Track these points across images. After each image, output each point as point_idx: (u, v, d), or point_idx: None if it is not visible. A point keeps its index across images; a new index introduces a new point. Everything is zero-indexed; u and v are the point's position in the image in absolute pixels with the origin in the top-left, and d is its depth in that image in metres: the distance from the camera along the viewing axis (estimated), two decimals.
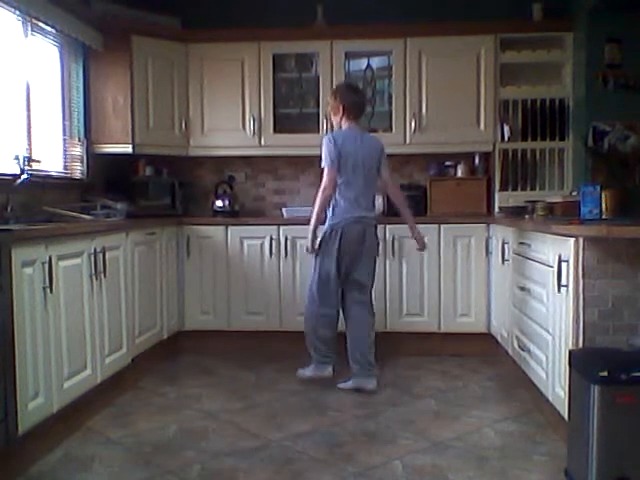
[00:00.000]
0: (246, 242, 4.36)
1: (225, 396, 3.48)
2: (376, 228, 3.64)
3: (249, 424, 3.05)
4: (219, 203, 4.68)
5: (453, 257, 4.25)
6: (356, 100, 3.59)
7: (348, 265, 3.55)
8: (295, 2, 4.72)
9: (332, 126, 3.75)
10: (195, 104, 4.62)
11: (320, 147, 3.56)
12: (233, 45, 4.57)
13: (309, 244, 3.58)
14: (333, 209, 3.54)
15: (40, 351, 2.58)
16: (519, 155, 4.46)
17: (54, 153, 4.05)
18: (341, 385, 3.58)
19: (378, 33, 4.47)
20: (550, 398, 2.86)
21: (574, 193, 4.06)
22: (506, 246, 3.74)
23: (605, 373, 2.12)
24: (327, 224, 3.55)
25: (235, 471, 2.53)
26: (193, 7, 4.79)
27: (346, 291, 3.62)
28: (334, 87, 3.99)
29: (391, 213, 4.58)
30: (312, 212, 3.56)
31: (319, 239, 3.56)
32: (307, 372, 3.68)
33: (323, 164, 3.51)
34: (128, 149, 4.38)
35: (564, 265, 2.62)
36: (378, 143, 3.64)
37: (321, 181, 3.53)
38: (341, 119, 3.57)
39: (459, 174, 4.66)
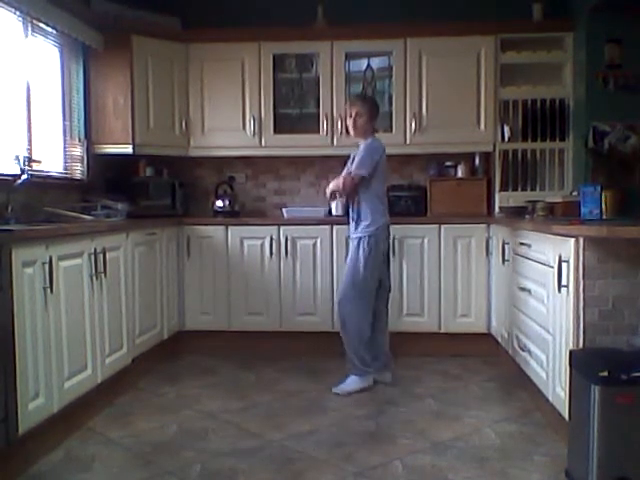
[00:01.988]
0: (246, 242, 4.36)
1: (225, 396, 3.48)
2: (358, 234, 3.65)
3: (249, 424, 3.05)
4: (219, 203, 4.68)
5: (453, 257, 4.25)
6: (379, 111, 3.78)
7: (384, 270, 3.66)
8: (295, 2, 4.72)
9: (350, 131, 3.70)
10: (195, 104, 4.62)
11: (363, 151, 3.54)
12: (233, 45, 4.57)
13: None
14: (373, 214, 3.56)
15: (40, 351, 2.58)
16: (519, 155, 4.46)
17: (54, 153, 4.05)
18: (341, 387, 3.54)
19: (378, 33, 4.47)
20: (550, 398, 2.86)
21: (574, 193, 4.06)
22: (506, 246, 3.74)
23: (605, 373, 2.12)
24: (371, 228, 3.54)
25: (235, 471, 2.53)
26: (193, 7, 4.79)
27: (378, 294, 3.66)
28: (362, 94, 4.13)
29: (392, 213, 4.59)
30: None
31: (366, 244, 3.54)
32: (350, 386, 3.53)
33: (363, 172, 3.51)
34: (128, 149, 4.38)
35: (564, 265, 2.62)
36: None
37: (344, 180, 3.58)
38: (370, 126, 3.63)
39: (459, 174, 4.65)
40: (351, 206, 3.67)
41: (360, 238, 3.55)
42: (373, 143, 3.59)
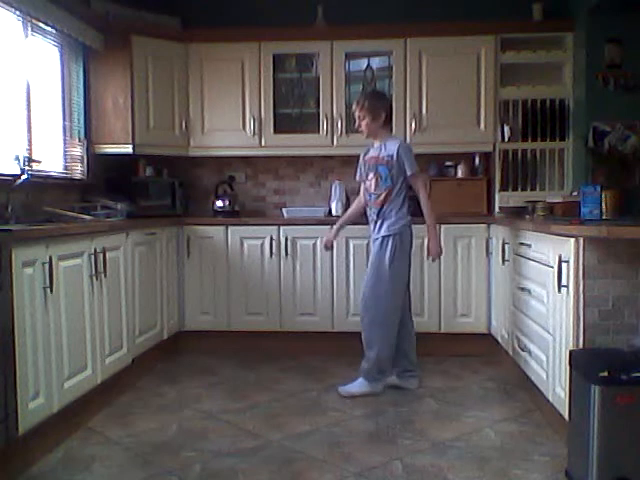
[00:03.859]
0: (246, 242, 4.36)
1: (225, 396, 3.48)
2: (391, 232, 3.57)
3: (249, 424, 3.05)
4: (219, 203, 4.69)
5: (453, 257, 4.25)
6: (391, 106, 3.74)
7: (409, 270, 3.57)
8: (295, 2, 4.72)
9: (364, 131, 3.59)
10: (195, 104, 4.62)
11: (406, 152, 3.49)
12: (233, 45, 4.57)
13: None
14: (401, 209, 3.50)
15: (40, 351, 2.58)
16: (519, 155, 4.46)
17: (54, 153, 4.04)
18: (346, 388, 3.49)
19: (378, 33, 4.46)
20: (550, 398, 2.86)
21: (574, 193, 4.06)
22: (506, 246, 3.74)
23: (605, 373, 2.12)
24: (399, 225, 3.47)
25: (235, 471, 2.53)
26: (193, 7, 4.79)
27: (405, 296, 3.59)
28: (369, 92, 3.98)
29: None
30: (431, 217, 3.53)
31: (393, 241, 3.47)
32: (356, 389, 3.46)
33: (415, 169, 3.49)
34: (128, 149, 4.38)
35: (564, 265, 2.62)
36: None
37: (422, 188, 3.55)
38: (381, 125, 3.53)
39: (459, 174, 4.65)
40: (371, 206, 3.56)
41: (383, 237, 3.46)
42: (403, 142, 3.55)
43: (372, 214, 3.56)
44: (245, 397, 3.46)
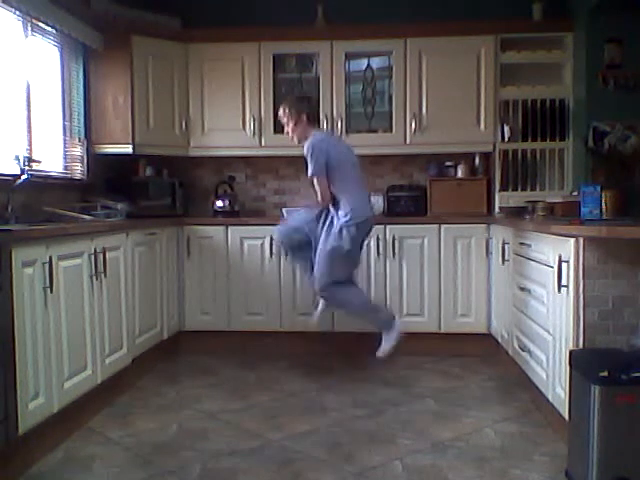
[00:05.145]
0: (246, 242, 4.36)
1: (225, 396, 3.48)
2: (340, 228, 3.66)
3: (249, 424, 3.05)
4: (219, 203, 4.69)
5: (453, 257, 4.25)
6: (313, 106, 3.84)
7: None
8: (295, 2, 4.73)
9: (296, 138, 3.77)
10: (195, 104, 4.62)
11: (307, 153, 3.61)
12: (233, 45, 4.57)
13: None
14: (345, 205, 3.62)
15: (40, 351, 2.58)
16: (519, 155, 4.46)
17: (54, 153, 4.04)
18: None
19: (378, 33, 4.46)
20: (550, 398, 2.86)
21: (574, 193, 4.06)
22: (506, 246, 3.74)
23: (605, 373, 2.12)
24: (347, 218, 3.60)
25: (235, 471, 2.53)
26: (193, 7, 4.79)
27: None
28: (290, 97, 4.00)
29: (392, 213, 4.60)
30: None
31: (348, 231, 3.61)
32: (389, 343, 3.66)
33: (311, 172, 3.61)
34: (128, 149, 4.38)
35: (564, 265, 2.62)
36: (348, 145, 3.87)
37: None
38: (305, 126, 3.69)
39: (459, 174, 4.65)
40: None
41: (341, 227, 3.58)
42: (307, 144, 3.63)
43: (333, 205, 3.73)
44: (245, 397, 3.46)
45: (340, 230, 3.57)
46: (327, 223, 3.69)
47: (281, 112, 3.75)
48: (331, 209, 3.68)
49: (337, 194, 3.64)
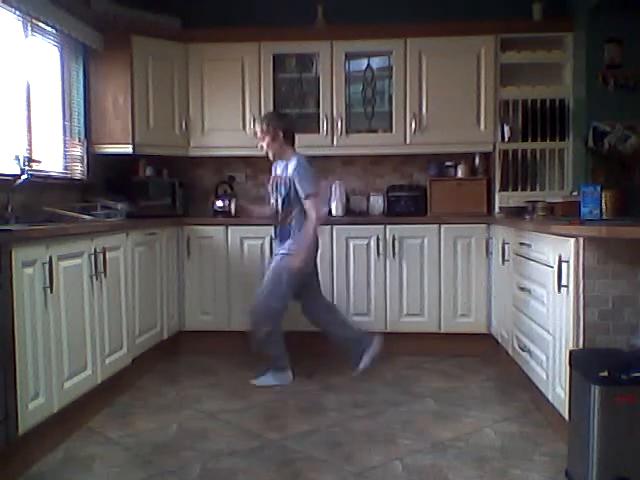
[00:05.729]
0: (246, 242, 4.36)
1: (225, 396, 3.48)
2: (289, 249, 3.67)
3: (249, 424, 3.05)
4: (219, 203, 4.68)
5: (453, 257, 4.25)
6: (292, 124, 3.79)
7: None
8: (295, 2, 4.72)
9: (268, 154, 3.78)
10: (195, 104, 4.62)
11: (300, 174, 3.60)
12: (233, 45, 4.57)
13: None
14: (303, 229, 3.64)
15: (40, 351, 2.58)
16: (519, 155, 4.46)
17: (54, 153, 4.04)
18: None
19: (378, 33, 4.46)
20: (550, 398, 2.86)
21: (574, 193, 4.06)
22: (506, 246, 3.74)
23: (605, 373, 2.12)
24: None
25: (235, 471, 2.53)
26: (193, 7, 4.79)
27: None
28: (267, 114, 4.00)
29: (392, 213, 4.60)
30: (305, 239, 3.61)
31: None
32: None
33: (309, 191, 3.58)
34: (128, 149, 4.37)
35: (564, 265, 2.62)
36: None
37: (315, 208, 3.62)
38: (281, 144, 3.69)
39: (459, 174, 4.65)
40: (278, 223, 3.74)
41: (283, 255, 3.64)
42: (297, 163, 3.62)
43: (277, 229, 3.76)
44: (245, 397, 3.46)
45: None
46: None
47: (258, 127, 3.74)
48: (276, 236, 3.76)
49: (296, 221, 3.64)
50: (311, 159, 3.73)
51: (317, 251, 3.78)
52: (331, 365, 4.02)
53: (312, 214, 3.59)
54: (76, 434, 2.91)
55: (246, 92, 4.58)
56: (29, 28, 3.69)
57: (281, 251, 3.68)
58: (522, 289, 3.34)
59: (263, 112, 4.54)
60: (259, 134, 3.73)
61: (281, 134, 3.67)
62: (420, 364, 4.07)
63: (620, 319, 2.51)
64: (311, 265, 3.73)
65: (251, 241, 4.35)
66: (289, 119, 3.86)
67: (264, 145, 3.72)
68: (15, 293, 2.40)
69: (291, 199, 3.64)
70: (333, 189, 4.69)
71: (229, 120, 4.61)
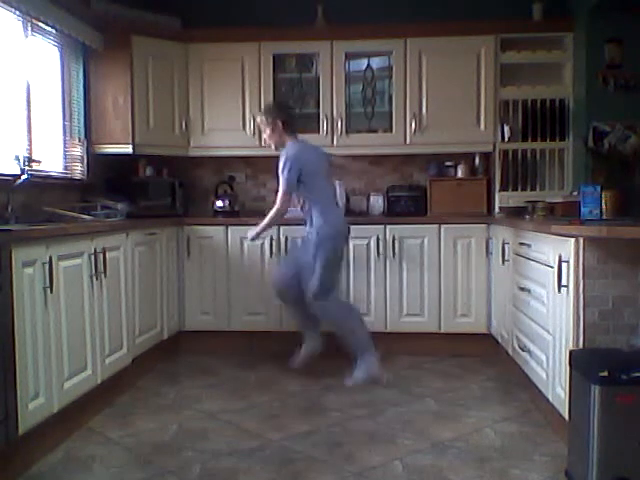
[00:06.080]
0: (246, 242, 4.35)
1: (225, 396, 3.48)
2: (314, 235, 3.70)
3: (249, 424, 3.05)
4: (219, 203, 4.68)
5: (453, 257, 4.25)
6: (289, 113, 3.81)
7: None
8: (295, 2, 4.72)
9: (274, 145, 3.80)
10: (195, 104, 4.62)
11: (281, 165, 3.63)
12: (233, 45, 4.57)
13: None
14: (310, 215, 3.73)
15: (40, 351, 2.58)
16: (519, 155, 4.46)
17: (54, 153, 4.04)
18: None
19: (378, 33, 4.46)
20: (550, 398, 2.86)
21: (574, 193, 4.06)
22: (506, 246, 3.74)
23: (605, 373, 2.12)
24: (310, 230, 3.73)
25: (235, 471, 2.53)
26: (193, 7, 4.79)
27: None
28: (267, 105, 4.10)
29: (392, 213, 4.60)
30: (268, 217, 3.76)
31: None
32: (361, 373, 3.66)
33: (282, 187, 3.63)
34: (128, 149, 4.38)
35: (564, 265, 2.62)
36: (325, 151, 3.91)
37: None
38: (280, 134, 3.72)
39: (459, 174, 4.65)
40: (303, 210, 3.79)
41: (316, 242, 3.65)
42: (283, 154, 3.65)
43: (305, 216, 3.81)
44: (245, 397, 3.46)
45: (315, 245, 3.63)
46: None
47: (259, 119, 3.81)
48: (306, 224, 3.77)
49: (310, 206, 3.69)
50: (308, 145, 3.76)
51: (341, 247, 3.75)
52: (331, 365, 4.02)
53: (276, 205, 3.69)
54: (76, 434, 2.91)
55: (246, 92, 4.58)
56: (29, 28, 3.69)
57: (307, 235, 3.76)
58: (522, 289, 3.34)
59: (259, 111, 4.56)
60: (260, 126, 3.81)
61: (280, 124, 3.69)
62: (420, 364, 4.07)
63: (620, 319, 2.51)
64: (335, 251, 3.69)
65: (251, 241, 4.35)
66: (287, 108, 3.89)
67: (265, 137, 3.78)
68: (15, 293, 2.40)
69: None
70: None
71: (229, 120, 4.61)
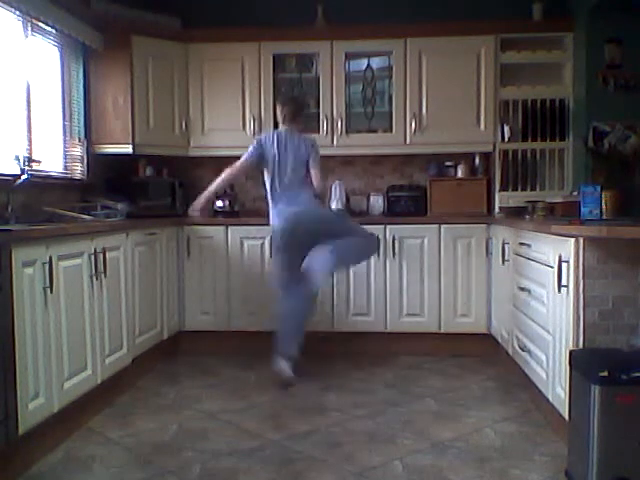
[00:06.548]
0: (246, 242, 4.36)
1: (225, 396, 3.48)
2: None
3: (249, 424, 3.05)
4: (219, 203, 4.69)
5: (453, 257, 4.25)
6: (281, 101, 3.91)
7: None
8: (295, 2, 4.73)
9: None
10: (195, 104, 4.62)
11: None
12: (233, 45, 4.57)
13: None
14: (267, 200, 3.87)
15: (40, 351, 2.58)
16: (519, 155, 4.46)
17: (54, 153, 4.04)
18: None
19: (378, 33, 4.46)
20: (550, 398, 2.86)
21: (574, 193, 4.06)
22: (506, 246, 3.74)
23: (605, 373, 2.12)
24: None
25: (235, 471, 2.53)
26: (193, 7, 4.79)
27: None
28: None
29: (392, 213, 4.60)
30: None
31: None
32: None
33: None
34: (128, 149, 4.38)
35: (564, 265, 2.62)
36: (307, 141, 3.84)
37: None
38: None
39: (459, 174, 4.65)
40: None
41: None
42: (258, 137, 3.87)
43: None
44: (245, 397, 3.46)
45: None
46: None
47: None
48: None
49: (269, 192, 3.80)
50: (282, 134, 3.78)
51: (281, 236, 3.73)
52: (331, 365, 4.02)
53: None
54: (76, 434, 2.91)
55: (246, 92, 4.59)
56: (29, 28, 3.69)
57: None
58: (522, 289, 3.34)
59: (263, 112, 4.57)
60: None
61: (278, 111, 3.84)
62: (420, 364, 4.07)
63: (620, 319, 2.51)
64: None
65: (251, 241, 4.35)
66: (287, 100, 3.93)
67: None
68: (15, 293, 2.40)
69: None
70: (333, 189, 4.69)
71: (229, 120, 4.61)
